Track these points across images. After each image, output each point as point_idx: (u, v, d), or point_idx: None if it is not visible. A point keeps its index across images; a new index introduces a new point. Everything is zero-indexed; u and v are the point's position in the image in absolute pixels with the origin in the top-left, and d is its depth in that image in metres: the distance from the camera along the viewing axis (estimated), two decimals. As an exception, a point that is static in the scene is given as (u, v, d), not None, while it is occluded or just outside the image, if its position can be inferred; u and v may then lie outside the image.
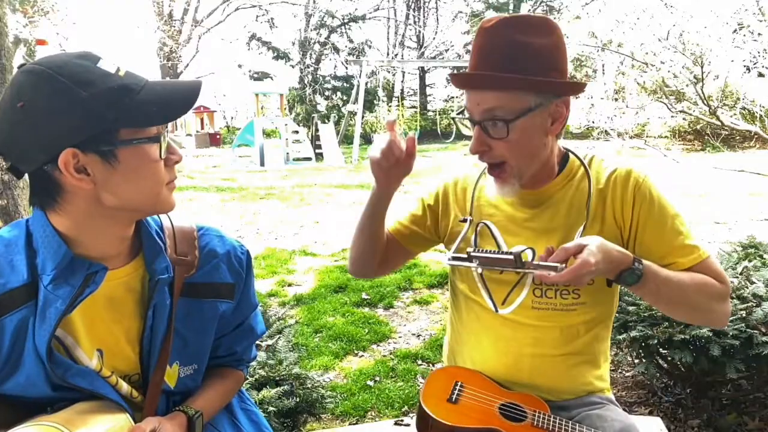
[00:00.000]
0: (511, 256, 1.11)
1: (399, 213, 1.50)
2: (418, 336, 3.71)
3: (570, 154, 1.34)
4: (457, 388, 1.30)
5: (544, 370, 1.31)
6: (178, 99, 0.92)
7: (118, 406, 0.96)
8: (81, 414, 0.90)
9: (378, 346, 3.56)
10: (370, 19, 25.86)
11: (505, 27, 1.17)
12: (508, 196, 1.29)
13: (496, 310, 1.32)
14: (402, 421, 1.70)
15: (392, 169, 1.21)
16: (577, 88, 1.23)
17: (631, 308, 2.27)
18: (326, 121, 18.82)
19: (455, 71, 1.41)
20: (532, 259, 1.26)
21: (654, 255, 1.22)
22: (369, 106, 20.06)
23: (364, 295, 4.38)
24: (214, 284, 1.10)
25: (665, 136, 12.69)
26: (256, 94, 15.81)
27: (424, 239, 1.48)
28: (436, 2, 28.28)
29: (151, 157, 0.91)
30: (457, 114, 1.35)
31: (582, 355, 1.32)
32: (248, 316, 1.20)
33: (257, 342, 1.36)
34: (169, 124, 0.99)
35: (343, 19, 24.42)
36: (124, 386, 1.00)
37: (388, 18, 27.75)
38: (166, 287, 1.03)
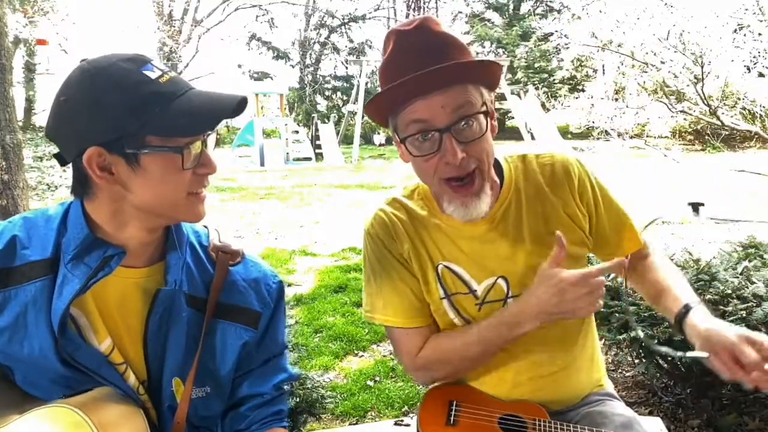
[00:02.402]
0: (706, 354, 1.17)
1: (399, 299, 1.24)
2: (418, 336, 3.70)
3: (496, 159, 1.22)
4: (453, 408, 1.25)
5: (546, 388, 1.27)
6: (208, 112, 0.90)
7: (129, 398, 0.96)
8: (95, 400, 0.92)
9: (378, 346, 3.55)
10: (370, 19, 25.89)
11: (427, 25, 1.10)
12: (480, 215, 1.14)
13: None
14: (402, 421, 1.69)
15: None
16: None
17: (631, 308, 2.26)
18: (326, 121, 18.83)
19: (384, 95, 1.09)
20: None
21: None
22: (369, 106, 20.03)
23: (364, 295, 4.38)
24: (237, 307, 1.06)
25: (665, 136, 12.69)
26: (256, 94, 15.80)
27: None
28: (436, 2, 28.25)
29: (173, 166, 0.90)
30: (402, 138, 1.11)
31: (580, 358, 1.30)
32: (275, 355, 1.14)
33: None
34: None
35: (343, 19, 24.44)
36: (132, 378, 0.99)
37: (388, 18, 27.72)
38: (183, 298, 1.00)
